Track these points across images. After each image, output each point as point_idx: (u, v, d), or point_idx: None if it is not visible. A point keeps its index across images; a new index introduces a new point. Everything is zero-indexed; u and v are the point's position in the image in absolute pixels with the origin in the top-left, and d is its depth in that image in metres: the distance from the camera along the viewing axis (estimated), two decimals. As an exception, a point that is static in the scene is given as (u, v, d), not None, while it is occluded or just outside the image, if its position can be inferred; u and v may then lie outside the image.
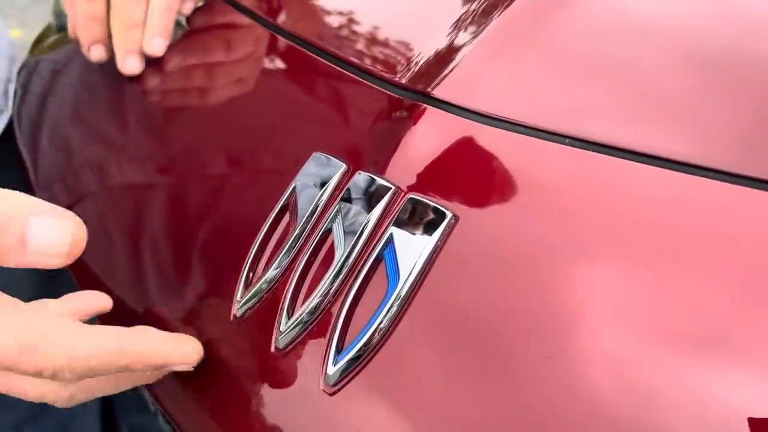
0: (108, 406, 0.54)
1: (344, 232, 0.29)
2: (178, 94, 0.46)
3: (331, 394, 0.27)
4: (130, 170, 0.42)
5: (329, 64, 0.37)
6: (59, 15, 0.58)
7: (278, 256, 0.31)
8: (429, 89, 0.31)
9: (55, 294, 0.32)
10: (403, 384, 0.26)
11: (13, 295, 0.27)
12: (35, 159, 0.49)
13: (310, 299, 0.29)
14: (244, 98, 0.42)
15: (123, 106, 0.46)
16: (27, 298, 0.29)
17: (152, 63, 0.45)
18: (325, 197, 0.31)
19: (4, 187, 0.27)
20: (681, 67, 0.31)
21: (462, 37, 0.34)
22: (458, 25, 0.35)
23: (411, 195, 0.29)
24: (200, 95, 0.44)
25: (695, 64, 0.31)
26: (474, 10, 0.35)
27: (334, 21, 0.42)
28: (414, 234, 0.28)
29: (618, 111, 0.30)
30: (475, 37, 0.33)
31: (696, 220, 0.26)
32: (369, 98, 0.34)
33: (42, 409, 0.37)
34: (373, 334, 0.27)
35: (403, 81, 0.33)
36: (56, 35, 0.56)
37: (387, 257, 0.28)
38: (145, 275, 0.37)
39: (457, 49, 0.33)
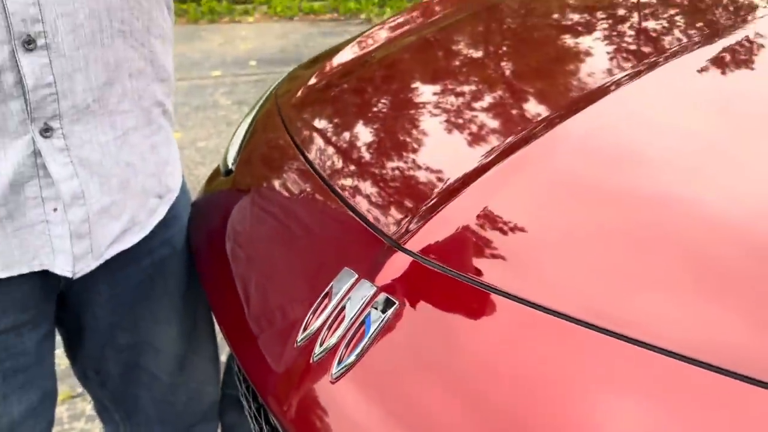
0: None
1: (351, 308, 0.61)
2: (276, 222, 0.81)
3: (333, 383, 0.58)
4: (258, 260, 0.77)
5: (354, 218, 0.70)
6: (225, 164, 0.96)
7: (321, 315, 0.63)
8: (399, 240, 0.63)
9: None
10: (367, 381, 0.57)
11: None
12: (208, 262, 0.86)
13: (331, 338, 0.60)
14: (306, 228, 0.76)
15: (254, 228, 0.82)
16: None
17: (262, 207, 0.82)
18: (344, 289, 0.63)
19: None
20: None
21: (431, 206, 0.65)
22: (431, 198, 0.67)
23: (382, 293, 0.60)
24: (283, 224, 0.80)
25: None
26: (441, 190, 0.67)
27: (358, 177, 0.76)
28: (379, 310, 0.59)
29: (542, 276, 0.59)
30: (440, 207, 0.64)
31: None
32: (368, 238, 0.66)
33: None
34: (355, 358, 0.58)
35: (386, 231, 0.65)
36: (221, 179, 0.95)
37: (367, 322, 0.59)
38: (257, 312, 0.71)
39: (424, 217, 0.65)
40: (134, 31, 0.76)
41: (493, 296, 0.55)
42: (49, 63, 0.69)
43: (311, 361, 0.60)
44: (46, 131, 0.72)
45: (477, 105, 0.87)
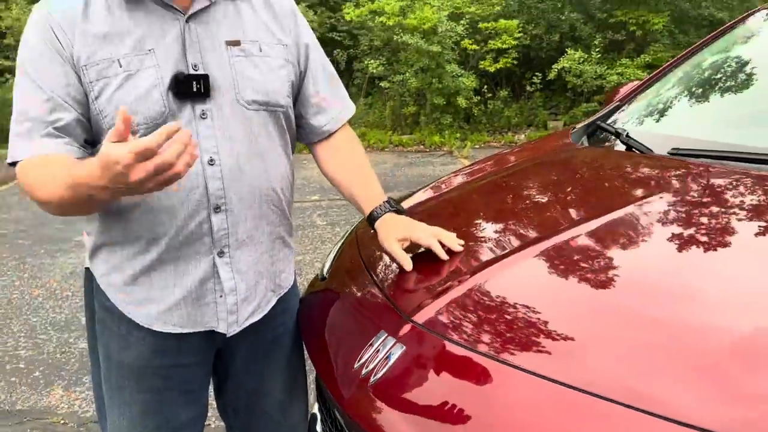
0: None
1: (382, 351, 1.14)
2: (348, 308, 1.38)
3: (370, 387, 1.10)
4: (336, 328, 1.33)
5: (390, 303, 1.25)
6: (322, 273, 1.55)
7: (367, 353, 1.16)
8: (410, 314, 1.17)
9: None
10: (387, 386, 1.09)
11: None
12: (311, 337, 1.42)
13: (371, 365, 1.13)
14: (362, 310, 1.32)
15: (335, 313, 1.39)
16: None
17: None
18: (380, 341, 1.16)
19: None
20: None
21: (434, 294, 1.19)
22: (433, 291, 1.21)
23: (398, 343, 1.13)
24: (350, 309, 1.36)
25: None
26: (441, 286, 1.21)
27: (397, 277, 1.31)
28: (396, 351, 1.12)
29: (522, 343, 1.13)
30: (444, 292, 1.18)
31: None
32: (396, 313, 1.21)
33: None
34: (382, 375, 1.10)
35: (403, 309, 1.19)
36: (319, 283, 1.54)
37: (389, 357, 1.12)
38: (335, 355, 1.26)
39: (434, 295, 1.19)
40: (275, 200, 1.38)
41: (459, 350, 1.08)
42: (225, 219, 1.30)
43: (360, 376, 1.13)
44: (220, 254, 1.32)
45: (490, 226, 1.44)
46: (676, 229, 1.28)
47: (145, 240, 1.27)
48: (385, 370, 1.09)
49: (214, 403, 1.55)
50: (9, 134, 1.23)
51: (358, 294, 1.39)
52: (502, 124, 9.76)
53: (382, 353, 1.13)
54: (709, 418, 0.82)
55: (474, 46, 9.31)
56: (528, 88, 9.86)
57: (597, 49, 8.95)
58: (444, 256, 1.31)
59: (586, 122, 2.13)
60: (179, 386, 1.38)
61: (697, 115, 1.92)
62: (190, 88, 1.23)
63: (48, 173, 1.17)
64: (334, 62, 9.94)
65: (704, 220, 1.30)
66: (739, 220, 1.30)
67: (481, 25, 9.34)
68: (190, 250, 1.29)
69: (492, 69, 9.23)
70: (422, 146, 9.08)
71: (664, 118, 1.97)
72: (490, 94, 9.83)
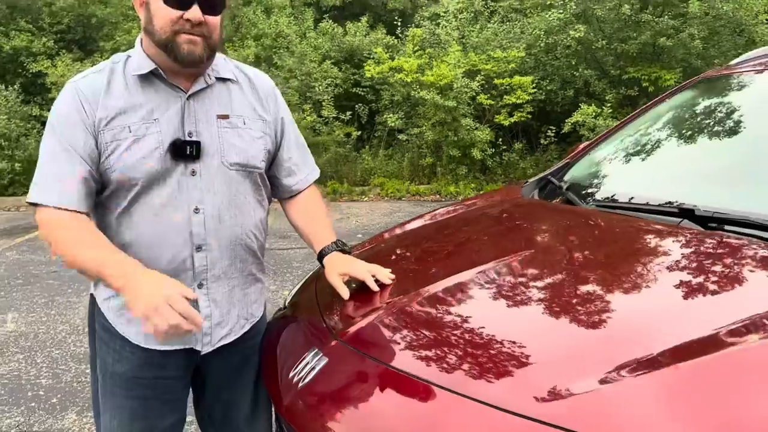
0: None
1: (311, 362, 1.39)
2: (294, 328, 1.64)
3: (300, 390, 1.36)
4: (285, 351, 1.59)
5: (326, 325, 1.51)
6: (284, 303, 1.82)
7: (301, 365, 1.41)
8: (337, 334, 1.42)
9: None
10: (313, 390, 1.34)
11: None
12: (265, 357, 1.69)
13: (302, 373, 1.38)
14: (304, 333, 1.58)
15: (286, 335, 1.65)
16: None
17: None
18: (311, 355, 1.42)
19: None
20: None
21: (353, 321, 1.45)
22: (354, 318, 1.46)
23: (324, 356, 1.38)
24: (295, 330, 1.62)
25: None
26: (361, 312, 1.47)
27: (340, 307, 1.57)
28: (321, 363, 1.37)
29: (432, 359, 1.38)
30: (367, 316, 1.44)
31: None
32: (327, 332, 1.46)
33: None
34: (310, 380, 1.35)
35: (333, 329, 1.45)
36: (281, 311, 1.80)
37: (316, 367, 1.37)
38: (281, 368, 1.52)
39: (358, 319, 1.44)
40: (248, 244, 1.66)
41: (372, 363, 1.33)
42: (205, 257, 1.59)
43: (293, 382, 1.38)
44: (200, 285, 1.60)
45: (419, 263, 1.70)
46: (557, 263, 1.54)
47: None
48: (308, 379, 1.35)
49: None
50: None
51: (305, 319, 1.65)
52: (518, 175, 10.01)
53: (310, 365, 1.38)
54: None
55: (489, 101, 9.67)
56: (543, 140, 10.13)
57: (610, 104, 9.21)
58: (374, 287, 1.56)
59: (538, 177, 2.39)
60: (162, 396, 1.65)
61: (625, 174, 2.17)
62: (184, 151, 1.55)
63: (73, 233, 1.49)
64: (356, 116, 10.43)
65: (587, 254, 1.56)
66: (613, 254, 1.55)
67: (496, 81, 9.72)
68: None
69: (506, 123, 9.55)
70: (438, 195, 9.37)
71: (602, 174, 2.22)
72: (505, 146, 10.12)
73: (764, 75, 2.21)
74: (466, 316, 1.39)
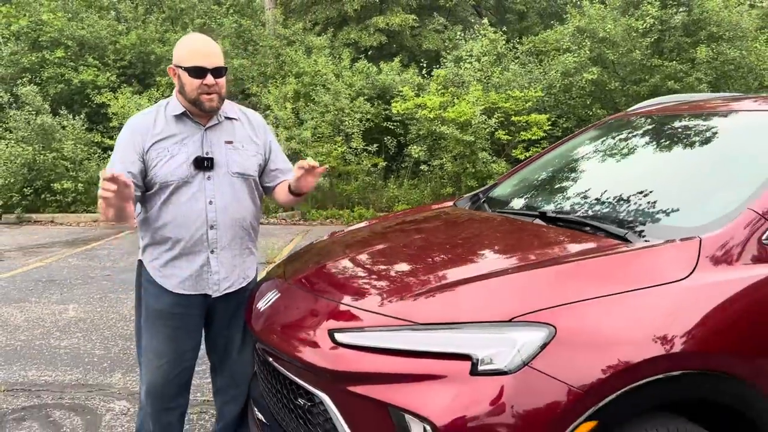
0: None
1: (268, 295, 2.18)
2: (273, 283, 2.44)
3: (260, 311, 2.14)
4: (259, 298, 2.38)
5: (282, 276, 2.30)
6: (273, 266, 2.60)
7: (264, 299, 2.20)
8: (287, 277, 2.20)
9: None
10: (267, 319, 2.12)
11: None
12: (248, 308, 2.50)
13: (261, 303, 2.17)
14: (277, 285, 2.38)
15: (263, 289, 2.45)
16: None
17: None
18: (273, 290, 2.21)
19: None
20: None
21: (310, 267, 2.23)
22: (310, 266, 2.24)
23: (278, 291, 2.17)
24: (273, 285, 2.43)
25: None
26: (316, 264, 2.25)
27: (302, 268, 2.36)
28: (275, 296, 2.15)
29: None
30: (310, 267, 2.22)
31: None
32: (282, 279, 2.26)
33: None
34: (267, 306, 2.14)
35: (286, 276, 2.24)
36: (271, 267, 2.59)
37: (271, 297, 2.15)
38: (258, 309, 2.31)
39: (305, 268, 2.21)
40: (245, 226, 2.46)
41: (307, 294, 2.09)
42: (216, 233, 2.38)
43: (258, 309, 2.15)
44: (212, 252, 2.40)
45: (361, 243, 2.47)
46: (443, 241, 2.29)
47: (172, 242, 2.36)
48: (265, 307, 2.12)
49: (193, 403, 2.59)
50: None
51: (277, 273, 2.44)
52: (533, 207, 10.63)
53: (270, 299, 2.16)
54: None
55: (507, 137, 10.40)
56: (558, 174, 10.75)
57: (619, 142, 9.81)
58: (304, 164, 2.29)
59: (472, 193, 3.14)
60: (186, 326, 2.43)
61: (522, 191, 2.92)
62: (203, 164, 2.36)
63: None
64: (384, 147, 11.26)
65: (462, 235, 2.31)
66: (478, 234, 2.29)
67: (514, 118, 10.46)
68: (195, 249, 2.36)
69: (522, 157, 10.24)
70: (454, 223, 10.06)
71: (510, 192, 2.97)
72: (522, 180, 10.78)
73: (639, 120, 2.92)
74: (366, 267, 2.17)
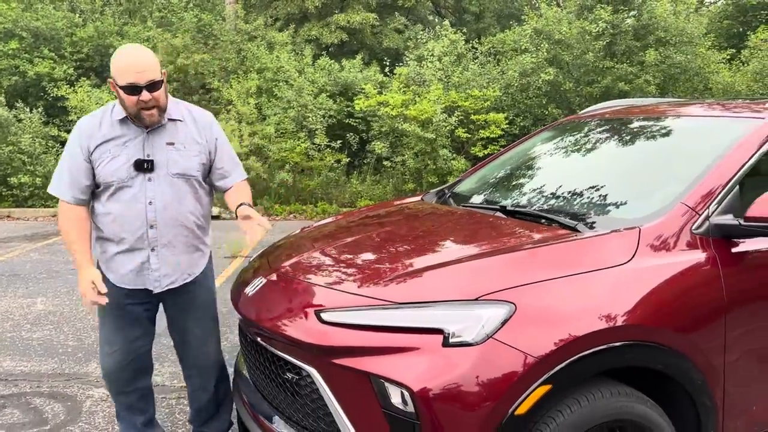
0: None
1: (257, 283, 2.38)
2: (252, 271, 2.63)
3: (249, 294, 2.33)
4: (241, 283, 2.57)
5: (269, 263, 2.50)
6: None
7: (252, 283, 2.40)
8: (273, 268, 2.40)
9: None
10: (254, 302, 2.32)
11: None
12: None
13: (251, 287, 2.37)
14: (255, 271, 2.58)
15: (240, 278, 2.64)
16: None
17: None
18: (260, 278, 2.41)
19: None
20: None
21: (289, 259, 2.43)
22: (290, 257, 2.44)
23: (265, 279, 2.37)
24: (252, 272, 2.62)
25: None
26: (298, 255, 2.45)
27: (281, 257, 2.56)
28: (261, 282, 2.35)
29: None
30: (293, 258, 2.41)
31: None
32: (267, 267, 2.46)
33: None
34: (256, 290, 2.33)
35: (272, 266, 2.44)
36: (243, 271, 2.77)
37: (259, 284, 2.35)
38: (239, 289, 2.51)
39: (288, 259, 2.41)
40: (187, 224, 2.59)
41: (291, 281, 2.29)
42: (156, 232, 2.51)
43: (246, 294, 2.34)
44: (152, 250, 2.53)
45: (334, 233, 2.68)
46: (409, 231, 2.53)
47: (116, 239, 2.51)
48: (257, 288, 2.32)
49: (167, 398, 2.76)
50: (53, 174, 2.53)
51: (260, 262, 2.63)
52: (491, 203, 10.99)
53: (256, 285, 2.35)
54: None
55: (467, 135, 10.72)
56: (514, 171, 11.13)
57: (573, 140, 10.24)
58: (248, 238, 2.46)
59: (439, 188, 3.38)
60: (129, 315, 2.59)
61: (483, 186, 3.17)
62: (143, 165, 2.48)
63: (68, 224, 2.48)
64: (347, 143, 11.45)
65: (424, 226, 2.54)
66: (438, 225, 2.53)
67: (473, 116, 10.78)
68: (137, 246, 2.50)
69: (481, 154, 10.58)
70: (416, 218, 10.32)
71: (472, 187, 3.22)
72: (480, 176, 11.12)
73: (591, 122, 3.21)
74: (347, 256, 2.38)
